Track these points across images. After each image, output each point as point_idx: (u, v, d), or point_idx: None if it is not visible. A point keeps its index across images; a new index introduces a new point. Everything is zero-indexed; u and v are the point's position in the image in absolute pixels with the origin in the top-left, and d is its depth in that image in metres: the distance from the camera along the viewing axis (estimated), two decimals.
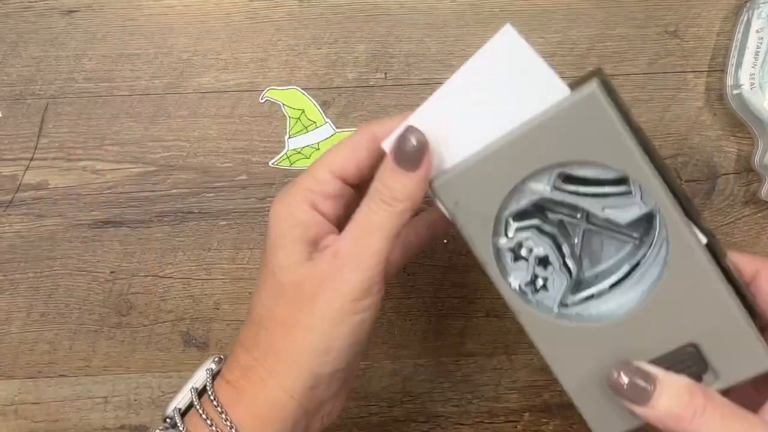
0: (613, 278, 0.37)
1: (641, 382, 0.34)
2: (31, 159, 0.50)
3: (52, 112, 0.50)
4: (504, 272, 0.37)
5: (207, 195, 0.50)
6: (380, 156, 0.36)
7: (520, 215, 0.37)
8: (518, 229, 0.37)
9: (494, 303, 0.50)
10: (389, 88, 0.50)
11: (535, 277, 0.37)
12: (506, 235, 0.37)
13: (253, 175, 0.50)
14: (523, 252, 0.37)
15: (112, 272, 0.50)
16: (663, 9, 0.49)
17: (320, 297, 0.35)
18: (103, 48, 0.50)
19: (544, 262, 0.37)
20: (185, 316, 0.50)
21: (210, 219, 0.50)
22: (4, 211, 0.50)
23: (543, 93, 0.34)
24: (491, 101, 0.35)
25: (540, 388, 0.49)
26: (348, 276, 0.35)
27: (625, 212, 0.35)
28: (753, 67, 0.47)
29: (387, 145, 0.35)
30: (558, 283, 0.37)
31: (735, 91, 0.48)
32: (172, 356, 0.50)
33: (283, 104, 0.50)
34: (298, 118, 0.50)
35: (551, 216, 0.37)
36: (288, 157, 0.50)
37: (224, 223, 0.50)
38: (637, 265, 0.37)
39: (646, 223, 0.36)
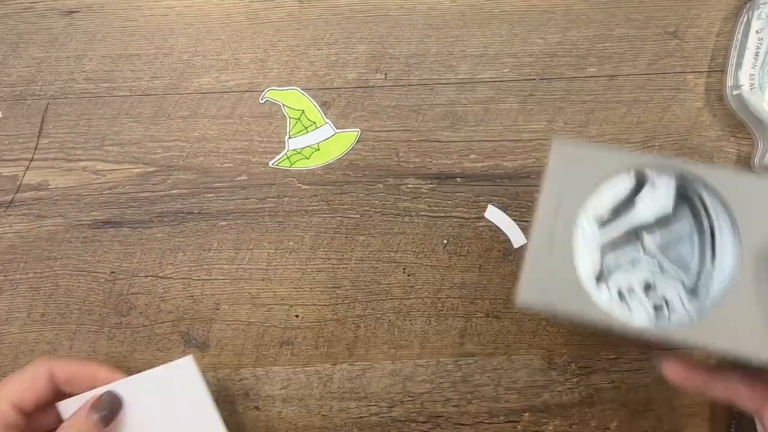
0: (708, 260, 0.37)
1: None
2: (32, 159, 0.50)
3: (52, 112, 0.50)
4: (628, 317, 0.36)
5: (207, 195, 0.50)
6: (54, 387, 0.42)
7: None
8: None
9: (494, 303, 0.50)
10: (389, 88, 0.50)
11: (655, 307, 0.37)
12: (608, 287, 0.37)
13: (253, 176, 0.50)
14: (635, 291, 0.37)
15: (112, 272, 0.50)
16: (663, 10, 0.49)
17: None
18: (104, 48, 0.50)
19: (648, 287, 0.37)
20: (185, 317, 0.50)
21: (210, 219, 0.50)
22: (4, 211, 0.50)
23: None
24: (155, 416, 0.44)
25: (540, 388, 0.49)
26: None
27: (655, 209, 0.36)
28: (753, 67, 0.47)
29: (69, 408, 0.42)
30: (674, 293, 0.37)
31: (735, 92, 0.48)
32: (172, 356, 0.50)
33: (283, 105, 0.50)
34: (298, 119, 0.50)
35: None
36: (288, 158, 0.50)
37: (224, 223, 0.50)
38: (712, 236, 0.36)
39: (680, 203, 0.37)
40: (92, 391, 0.43)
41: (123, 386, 0.43)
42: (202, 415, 0.44)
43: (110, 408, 0.42)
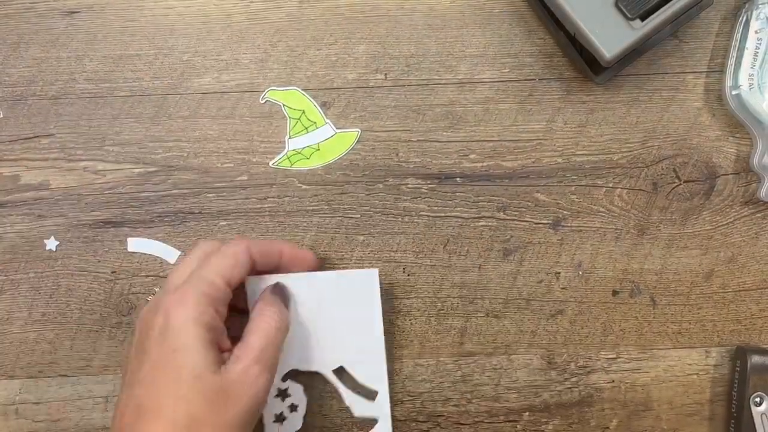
0: None
1: None
2: (32, 159, 0.50)
3: (53, 112, 0.50)
4: None
5: (207, 195, 0.50)
6: (253, 264, 0.43)
7: None
8: None
9: (494, 303, 0.50)
10: (389, 88, 0.50)
11: None
12: None
13: (253, 176, 0.50)
14: None
15: (113, 272, 0.50)
16: None
17: (243, 400, 0.39)
18: (104, 49, 0.50)
19: None
20: None
21: (210, 219, 0.50)
22: (5, 211, 0.50)
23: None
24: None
25: (539, 388, 0.50)
26: (263, 381, 0.40)
27: None
28: (752, 67, 0.48)
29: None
30: None
31: (734, 92, 0.48)
32: None
33: (284, 105, 0.50)
34: (299, 119, 0.50)
35: None
36: (288, 158, 0.50)
37: (225, 223, 0.50)
38: None
39: None
40: (274, 276, 0.45)
41: (304, 279, 0.46)
42: (369, 328, 0.47)
43: (285, 295, 0.45)
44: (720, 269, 0.50)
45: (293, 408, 0.48)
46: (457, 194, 0.50)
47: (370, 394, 0.47)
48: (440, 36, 0.50)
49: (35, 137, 0.50)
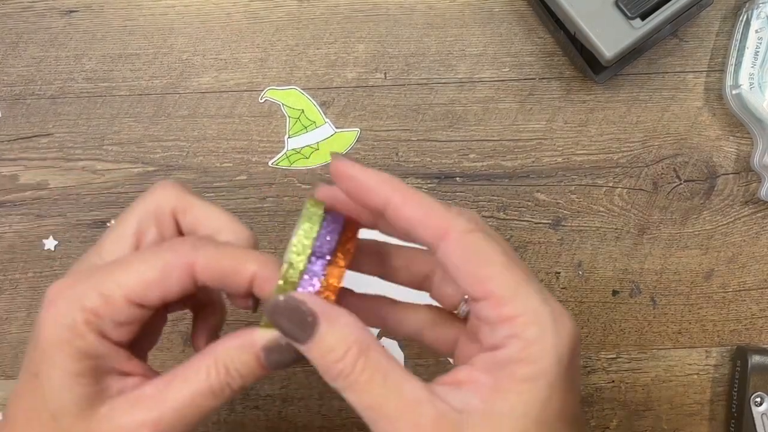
0: None
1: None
2: (31, 159, 0.50)
3: (51, 112, 0.50)
4: None
5: (206, 195, 0.50)
6: (191, 288, 0.30)
7: None
8: None
9: None
10: (389, 88, 0.50)
11: None
12: None
13: (252, 175, 0.50)
14: None
15: None
16: None
17: None
18: (103, 48, 0.50)
19: None
20: (184, 316, 0.50)
21: None
22: (3, 210, 0.50)
23: None
24: None
25: None
26: None
27: None
28: (752, 67, 0.47)
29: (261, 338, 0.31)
30: None
31: (734, 91, 0.48)
32: (172, 356, 0.50)
33: (283, 104, 0.50)
34: (298, 118, 0.50)
35: None
36: (287, 157, 0.50)
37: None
38: None
39: None
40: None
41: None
42: None
43: (291, 357, 0.30)
44: (720, 269, 0.50)
45: None
46: (457, 194, 0.50)
47: None
48: (440, 35, 0.50)
49: (34, 137, 0.50)
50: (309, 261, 0.30)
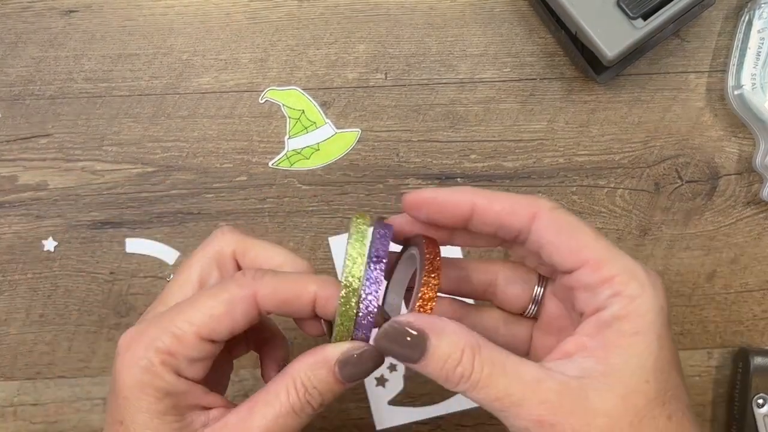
0: None
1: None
2: (30, 159, 0.50)
3: (51, 112, 0.50)
4: None
5: (206, 196, 0.50)
6: (256, 317, 0.32)
7: None
8: None
9: None
10: (389, 88, 0.50)
11: None
12: None
13: (252, 176, 0.50)
14: None
15: (111, 273, 0.50)
16: None
17: None
18: (103, 48, 0.50)
19: None
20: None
21: (209, 220, 0.50)
22: (3, 211, 0.50)
23: None
24: None
25: None
26: None
27: None
28: (754, 67, 0.47)
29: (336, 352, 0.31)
30: None
31: (736, 92, 0.48)
32: None
33: (283, 104, 0.50)
34: (298, 119, 0.50)
35: None
36: (288, 158, 0.50)
37: (224, 223, 0.50)
38: None
39: None
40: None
41: None
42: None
43: (366, 366, 0.31)
44: (722, 270, 0.50)
45: (392, 368, 0.47)
46: None
47: None
48: (441, 35, 0.50)
49: (33, 137, 0.50)
50: (367, 267, 0.31)
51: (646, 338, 0.27)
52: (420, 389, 0.49)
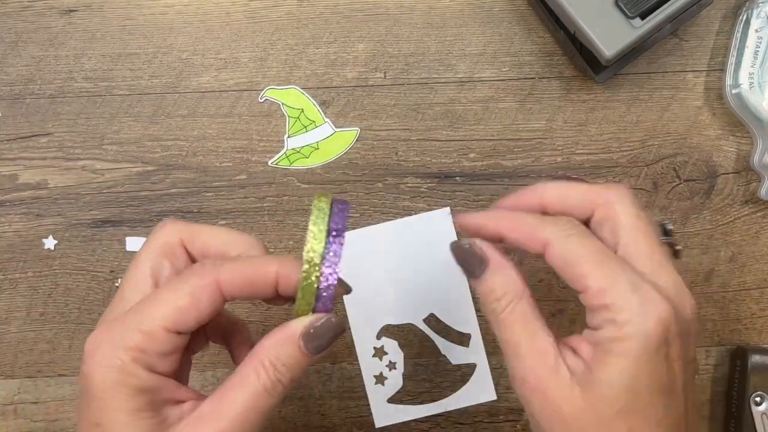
0: None
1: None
2: (31, 158, 0.50)
3: (51, 111, 0.50)
4: None
5: (206, 194, 0.50)
6: (221, 305, 0.32)
7: None
8: None
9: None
10: (388, 87, 0.50)
11: None
12: None
13: (252, 175, 0.50)
14: None
15: (111, 271, 0.50)
16: None
17: None
18: (103, 47, 0.50)
19: None
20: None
21: (209, 218, 0.50)
22: (3, 210, 0.50)
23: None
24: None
25: None
26: None
27: None
28: (752, 66, 0.47)
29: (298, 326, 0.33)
30: None
31: (734, 91, 0.48)
32: None
33: (282, 104, 0.50)
34: (298, 118, 0.50)
35: None
36: (287, 157, 0.50)
37: (223, 222, 0.50)
38: None
39: None
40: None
41: (378, 229, 0.44)
42: (450, 270, 0.42)
43: (328, 336, 0.32)
44: (720, 268, 0.50)
45: (392, 366, 0.48)
46: (457, 193, 0.50)
47: (462, 341, 0.48)
48: (440, 34, 0.50)
49: (33, 136, 0.50)
50: (327, 242, 0.32)
51: (627, 361, 0.31)
52: (419, 387, 0.49)
